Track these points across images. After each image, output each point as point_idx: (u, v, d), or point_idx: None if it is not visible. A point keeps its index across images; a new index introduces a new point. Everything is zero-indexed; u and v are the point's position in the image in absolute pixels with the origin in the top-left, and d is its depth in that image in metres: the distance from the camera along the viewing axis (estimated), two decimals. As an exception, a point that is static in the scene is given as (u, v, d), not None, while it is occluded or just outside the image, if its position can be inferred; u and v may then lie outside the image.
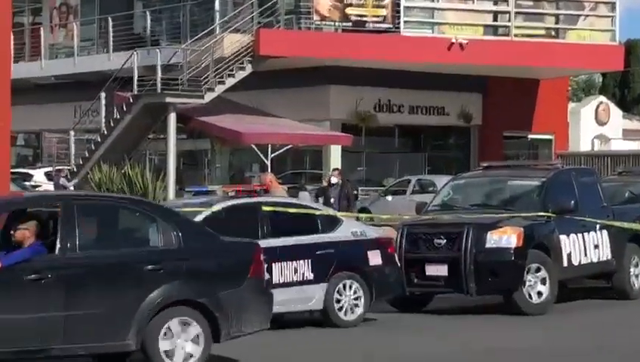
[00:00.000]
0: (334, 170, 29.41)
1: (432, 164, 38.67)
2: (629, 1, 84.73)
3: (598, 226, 18.71)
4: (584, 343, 14.78)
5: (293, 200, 18.60)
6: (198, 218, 15.73)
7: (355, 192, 36.07)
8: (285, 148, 33.19)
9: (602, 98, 55.55)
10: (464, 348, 14.29)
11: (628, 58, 52.20)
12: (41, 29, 43.23)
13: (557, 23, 36.39)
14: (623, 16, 37.37)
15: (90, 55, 40.32)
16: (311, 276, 15.79)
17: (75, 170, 33.83)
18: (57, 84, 40.78)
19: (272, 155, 32.69)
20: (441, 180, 28.92)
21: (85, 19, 42.95)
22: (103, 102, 34.27)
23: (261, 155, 32.75)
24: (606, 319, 17.21)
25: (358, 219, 22.39)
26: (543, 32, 36.24)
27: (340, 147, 35.29)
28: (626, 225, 19.15)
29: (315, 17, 33.73)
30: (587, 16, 36.50)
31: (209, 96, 32.45)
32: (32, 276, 11.04)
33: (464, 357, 13.78)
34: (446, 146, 40.71)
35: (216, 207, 16.14)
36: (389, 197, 35.09)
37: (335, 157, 35.55)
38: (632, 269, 19.49)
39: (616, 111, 53.55)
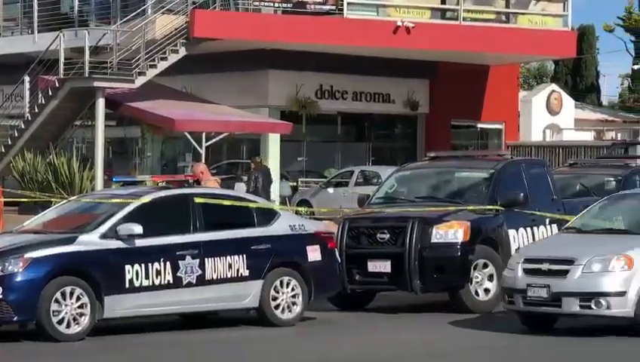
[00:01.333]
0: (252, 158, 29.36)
1: (377, 154, 38.74)
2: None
3: (548, 220, 18.82)
4: (526, 341, 14.88)
5: (229, 192, 18.49)
6: (127, 209, 15.64)
7: (294, 184, 36.13)
8: (220, 137, 33.09)
9: (554, 86, 55.88)
10: (406, 349, 14.26)
11: (581, 45, 52.58)
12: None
13: (507, 6, 36.56)
14: (575, 1, 37.60)
15: (13, 36, 39.87)
16: (246, 272, 15.73)
17: (-5, 158, 33.49)
18: (-21, 66, 40.33)
19: (207, 144, 32.61)
20: (385, 171, 28.99)
21: (8, -1, 42.65)
22: (27, 86, 33.93)
23: (195, 144, 32.65)
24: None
25: (297, 212, 22.36)
26: (493, 16, 36.41)
27: (278, 136, 35.21)
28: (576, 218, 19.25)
29: (254, -2, 33.64)
30: (539, 0, 36.70)
31: (140, 81, 32.23)
32: None
33: (406, 360, 13.69)
34: (391, 135, 40.77)
35: (145, 198, 16.04)
36: (331, 189, 35.12)
37: (274, 146, 35.49)
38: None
39: (568, 101, 53.90)
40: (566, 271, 14.80)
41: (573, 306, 14.67)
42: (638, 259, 14.64)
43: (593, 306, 14.59)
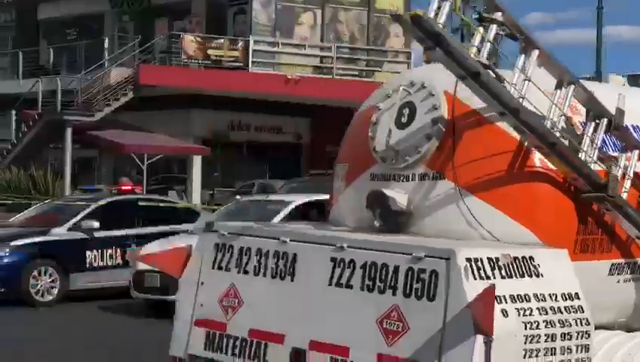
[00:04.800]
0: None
1: (272, 171, 38.73)
2: (421, 51, 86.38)
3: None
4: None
5: (164, 198, 18.43)
6: (88, 210, 15.49)
7: (212, 192, 36.00)
8: (158, 157, 32.83)
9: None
10: None
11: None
12: (-36, 59, 41.99)
13: (367, 66, 36.90)
14: (416, 62, 38.10)
15: (3, 80, 39.17)
16: None
17: (-11, 171, 32.90)
18: (-24, 102, 39.53)
19: (148, 162, 32.32)
20: (278, 184, 29.02)
21: (0, 52, 41.95)
22: (14, 118, 33.40)
23: (139, 162, 32.33)
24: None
25: (213, 211, 22.29)
26: (357, 72, 36.72)
27: (200, 157, 35.08)
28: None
29: (184, 56, 33.48)
30: (390, 62, 37.12)
31: (98, 115, 31.94)
32: None
33: None
34: (283, 158, 40.81)
35: (102, 202, 15.94)
36: (238, 196, 34.97)
37: (196, 165, 35.34)
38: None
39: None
40: None
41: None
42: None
43: None
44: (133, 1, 38.22)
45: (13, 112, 33.45)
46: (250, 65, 33.97)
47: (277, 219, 12.32)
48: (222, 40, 33.93)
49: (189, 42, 33.57)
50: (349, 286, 5.32)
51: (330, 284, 5.40)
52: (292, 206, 12.73)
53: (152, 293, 13.56)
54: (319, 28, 35.73)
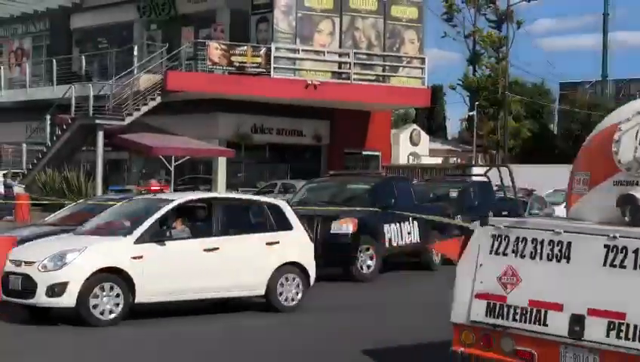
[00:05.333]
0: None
1: (293, 172, 38.79)
2: (435, 56, 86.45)
3: (410, 218, 19.00)
4: (398, 298, 14.99)
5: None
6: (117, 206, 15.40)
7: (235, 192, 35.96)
8: (184, 159, 32.96)
9: (415, 126, 56.49)
10: (312, 306, 13.75)
11: (434, 98, 53.22)
12: (1, 67, 42.23)
13: (383, 71, 36.89)
14: (430, 67, 38.08)
15: (38, 87, 39.43)
16: None
17: (26, 173, 33.04)
18: (13, 107, 39.74)
19: (175, 164, 32.43)
20: (299, 184, 29.04)
21: (35, 60, 42.25)
22: (48, 122, 33.59)
23: (167, 164, 32.46)
24: (414, 284, 17.50)
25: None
26: (373, 77, 36.71)
27: (225, 158, 35.16)
28: (430, 217, 19.50)
29: (209, 63, 33.57)
30: (405, 67, 37.11)
31: (128, 120, 32.06)
32: None
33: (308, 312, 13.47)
34: (303, 159, 40.83)
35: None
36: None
37: (221, 166, 35.43)
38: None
39: (424, 136, 54.51)
40: None
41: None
42: None
43: None
44: (161, 11, 38.37)
45: (48, 117, 33.62)
46: (272, 71, 34.04)
47: (157, 214, 12.24)
48: (245, 47, 34.00)
49: (214, 49, 33.67)
50: (622, 266, 6.71)
51: (604, 265, 6.79)
52: (175, 203, 12.60)
53: (14, 296, 11.84)
54: (337, 35, 35.73)
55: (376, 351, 10.17)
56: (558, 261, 7.08)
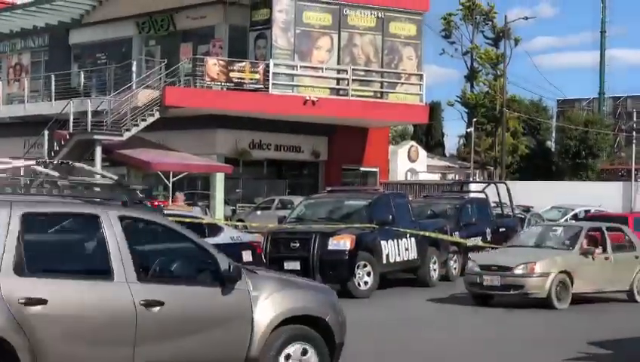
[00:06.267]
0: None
1: (291, 188, 38.80)
2: (433, 72, 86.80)
3: (408, 234, 19.00)
4: (393, 315, 14.97)
5: (189, 213, 18.41)
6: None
7: (234, 208, 35.98)
8: (183, 175, 32.94)
9: (413, 142, 56.58)
10: None
11: (432, 114, 53.34)
12: None
13: (382, 87, 36.94)
14: (428, 84, 38.16)
15: (37, 102, 39.41)
16: None
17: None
18: (12, 123, 39.75)
19: (173, 179, 32.42)
20: (297, 200, 29.05)
21: (34, 75, 42.28)
22: (46, 137, 33.54)
23: (165, 179, 32.44)
24: (412, 299, 17.49)
25: (236, 227, 22.34)
26: (372, 93, 36.76)
27: (223, 174, 35.14)
28: (427, 233, 19.51)
29: (207, 79, 33.62)
30: (403, 83, 37.17)
31: (127, 135, 32.03)
32: None
33: None
34: (301, 175, 40.85)
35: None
36: (259, 212, 35.06)
37: (220, 182, 35.41)
38: (431, 266, 19.87)
39: (422, 152, 54.57)
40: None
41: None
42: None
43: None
44: (160, 27, 38.47)
45: (46, 132, 33.59)
46: (270, 87, 34.09)
47: None
48: (243, 63, 34.06)
49: (212, 65, 33.73)
50: None
51: None
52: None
53: None
54: (336, 51, 35.81)
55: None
56: None
